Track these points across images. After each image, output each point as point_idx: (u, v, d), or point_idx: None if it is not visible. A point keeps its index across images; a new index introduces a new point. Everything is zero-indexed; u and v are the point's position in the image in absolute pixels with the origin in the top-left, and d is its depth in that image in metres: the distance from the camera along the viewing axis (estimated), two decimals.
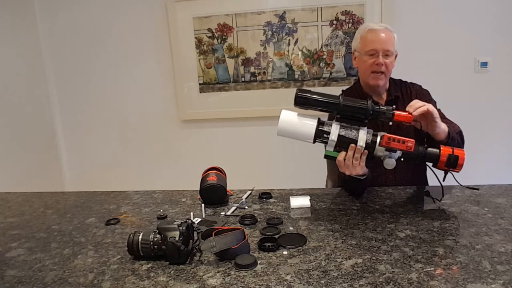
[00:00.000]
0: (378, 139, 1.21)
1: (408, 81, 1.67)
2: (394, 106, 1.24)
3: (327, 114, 1.39)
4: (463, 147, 1.39)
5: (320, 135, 1.22)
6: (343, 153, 1.23)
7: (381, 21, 2.36)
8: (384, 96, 1.61)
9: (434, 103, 1.58)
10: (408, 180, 1.55)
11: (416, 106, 1.24)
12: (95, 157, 2.88)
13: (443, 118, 1.49)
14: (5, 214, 1.47)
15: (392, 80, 1.63)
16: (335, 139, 1.21)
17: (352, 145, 1.21)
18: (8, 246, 1.18)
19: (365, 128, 1.23)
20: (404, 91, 1.61)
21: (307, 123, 1.23)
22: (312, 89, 1.35)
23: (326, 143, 1.23)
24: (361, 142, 1.20)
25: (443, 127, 1.32)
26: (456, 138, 1.38)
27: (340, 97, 1.22)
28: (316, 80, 2.51)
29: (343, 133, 1.21)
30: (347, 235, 1.12)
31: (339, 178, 1.51)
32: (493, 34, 2.34)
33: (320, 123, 1.23)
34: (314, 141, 1.24)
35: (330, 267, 0.95)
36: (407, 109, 1.25)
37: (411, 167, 1.55)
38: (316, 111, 1.25)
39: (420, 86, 1.65)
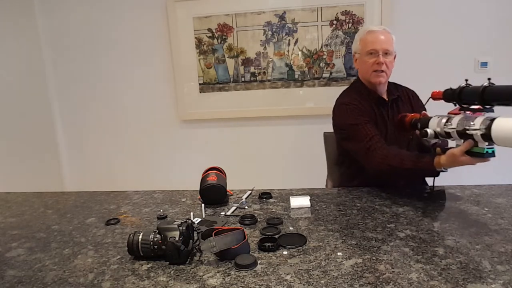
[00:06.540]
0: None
1: (406, 82, 1.73)
2: None
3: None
4: None
5: None
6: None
7: (381, 21, 2.37)
8: (385, 96, 1.64)
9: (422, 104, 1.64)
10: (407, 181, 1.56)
11: None
12: (95, 157, 2.88)
13: None
14: (5, 214, 1.47)
15: (388, 83, 1.67)
16: None
17: None
18: (8, 246, 1.18)
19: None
20: (401, 93, 1.67)
21: None
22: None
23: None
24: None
25: None
26: None
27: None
28: (316, 80, 2.50)
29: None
30: (347, 235, 1.12)
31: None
32: (493, 34, 2.34)
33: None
34: None
35: (330, 267, 0.95)
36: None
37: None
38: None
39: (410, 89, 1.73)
